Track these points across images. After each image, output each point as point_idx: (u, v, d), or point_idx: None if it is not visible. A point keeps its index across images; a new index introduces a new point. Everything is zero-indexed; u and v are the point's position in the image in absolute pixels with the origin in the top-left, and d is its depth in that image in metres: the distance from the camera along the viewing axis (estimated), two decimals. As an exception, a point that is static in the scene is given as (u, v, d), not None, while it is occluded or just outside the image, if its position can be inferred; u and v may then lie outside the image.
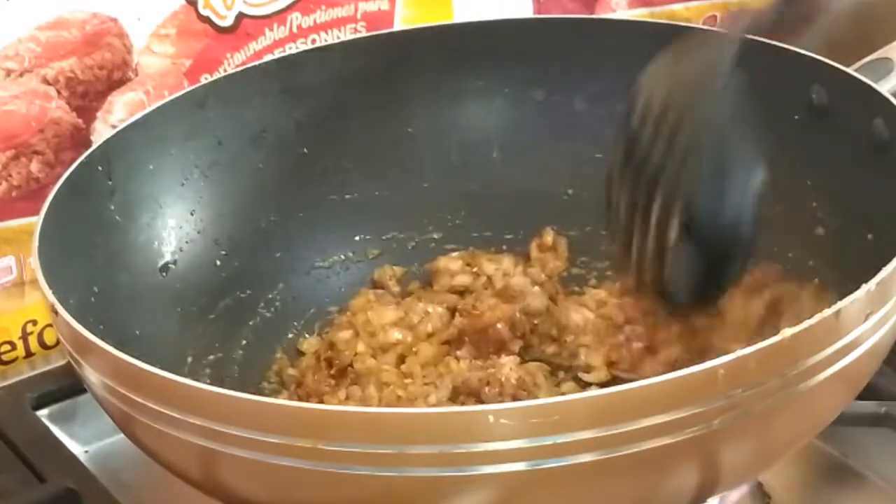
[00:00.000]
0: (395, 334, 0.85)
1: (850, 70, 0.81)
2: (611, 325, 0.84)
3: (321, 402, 0.80)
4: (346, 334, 0.85)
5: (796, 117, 0.80)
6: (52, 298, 0.66)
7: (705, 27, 1.11)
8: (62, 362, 0.90)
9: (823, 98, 0.81)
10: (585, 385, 0.82)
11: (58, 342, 0.93)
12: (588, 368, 0.83)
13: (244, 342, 0.87)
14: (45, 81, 0.92)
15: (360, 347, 0.84)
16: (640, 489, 0.60)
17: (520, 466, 0.55)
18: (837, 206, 0.80)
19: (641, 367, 0.81)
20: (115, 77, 0.95)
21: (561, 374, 0.83)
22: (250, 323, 0.88)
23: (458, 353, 0.83)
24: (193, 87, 0.89)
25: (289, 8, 1.00)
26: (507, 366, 0.79)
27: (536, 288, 0.87)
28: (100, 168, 0.81)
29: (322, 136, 0.93)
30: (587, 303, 0.87)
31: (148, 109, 0.86)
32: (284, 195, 0.92)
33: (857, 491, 0.80)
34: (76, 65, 0.93)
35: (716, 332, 0.78)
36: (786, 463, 0.80)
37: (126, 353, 0.61)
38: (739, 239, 0.72)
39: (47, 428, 0.87)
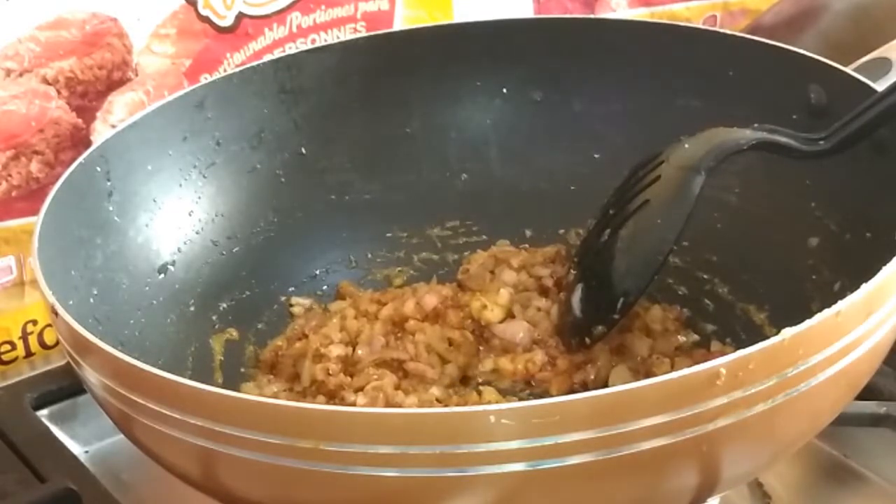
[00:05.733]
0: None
1: (848, 70, 0.81)
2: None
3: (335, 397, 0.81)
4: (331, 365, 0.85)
5: (795, 117, 0.80)
6: (52, 299, 0.66)
7: (705, 27, 1.11)
8: (62, 362, 0.90)
9: (822, 98, 0.81)
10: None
11: (58, 342, 0.94)
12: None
13: (244, 343, 0.87)
14: (45, 81, 0.92)
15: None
16: (641, 489, 0.60)
17: (520, 467, 0.55)
18: (836, 205, 0.80)
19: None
20: (115, 77, 0.95)
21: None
22: (250, 324, 0.88)
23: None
24: (191, 87, 0.89)
25: (288, 8, 1.00)
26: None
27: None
28: (98, 168, 0.81)
29: (320, 136, 0.93)
30: None
31: (146, 110, 0.86)
32: (283, 196, 0.92)
33: (857, 491, 0.80)
34: (76, 65, 0.93)
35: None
36: (786, 463, 0.80)
37: (125, 353, 0.61)
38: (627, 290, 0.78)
39: (47, 428, 0.87)
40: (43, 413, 0.89)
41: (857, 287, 0.60)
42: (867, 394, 0.70)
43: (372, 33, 1.01)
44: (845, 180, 0.78)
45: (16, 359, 0.97)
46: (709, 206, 0.81)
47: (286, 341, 0.87)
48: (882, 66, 0.88)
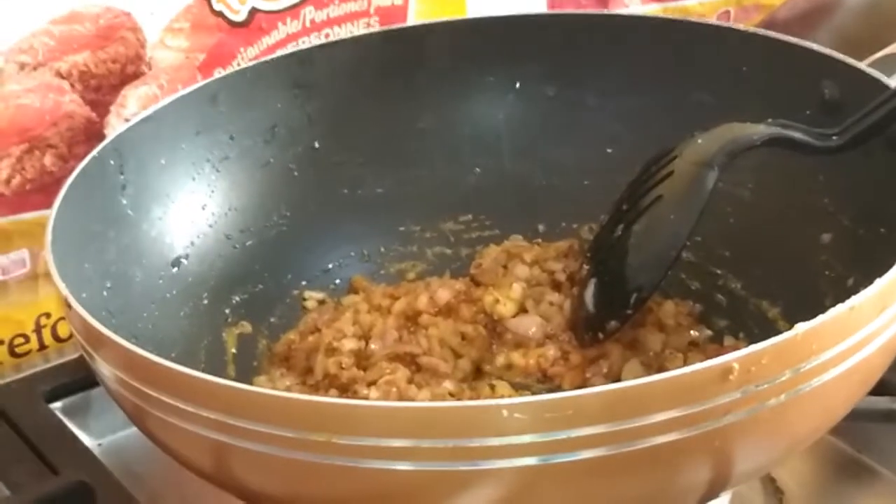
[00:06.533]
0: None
1: (861, 65, 0.81)
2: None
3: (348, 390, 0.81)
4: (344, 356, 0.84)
5: (808, 112, 0.80)
6: (66, 292, 0.66)
7: (718, 23, 1.11)
8: (75, 355, 0.90)
9: (835, 93, 0.80)
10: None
11: (71, 335, 0.94)
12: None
13: (257, 336, 0.87)
14: (59, 75, 0.92)
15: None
16: (653, 484, 0.60)
17: (532, 461, 0.55)
18: (850, 201, 0.80)
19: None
20: (129, 71, 0.95)
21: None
22: (263, 317, 0.88)
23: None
24: (205, 81, 0.89)
25: (302, 2, 1.00)
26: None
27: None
28: (112, 162, 0.81)
29: (333, 131, 0.93)
30: None
31: (159, 104, 0.86)
32: (296, 190, 0.92)
33: (870, 486, 0.80)
34: (90, 58, 0.93)
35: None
36: (799, 458, 0.80)
37: (139, 346, 0.61)
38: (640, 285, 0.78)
39: (61, 420, 0.87)
40: (56, 406, 0.89)
41: (871, 282, 0.60)
42: (880, 389, 0.70)
43: (385, 28, 1.01)
44: (859, 176, 0.78)
45: (29, 351, 0.97)
46: (722, 201, 0.81)
47: (299, 335, 0.87)
48: (896, 61, 0.88)
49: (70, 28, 0.92)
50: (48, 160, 0.93)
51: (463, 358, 0.83)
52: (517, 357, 0.84)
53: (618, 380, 0.80)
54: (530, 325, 0.85)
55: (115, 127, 0.94)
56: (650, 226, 0.78)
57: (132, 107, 0.95)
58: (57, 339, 0.98)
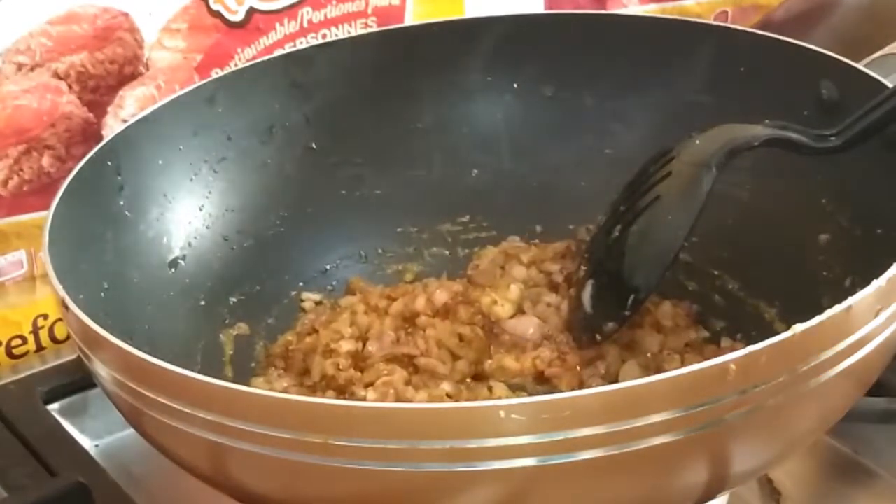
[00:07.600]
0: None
1: (860, 66, 0.81)
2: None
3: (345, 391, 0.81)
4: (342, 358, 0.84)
5: (806, 113, 0.80)
6: (63, 293, 0.66)
7: (716, 23, 1.11)
8: (73, 356, 0.90)
9: (833, 94, 0.80)
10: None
11: (68, 336, 0.94)
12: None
13: (254, 337, 0.87)
14: (57, 76, 0.92)
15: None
16: (651, 485, 0.60)
17: (530, 462, 0.55)
18: (847, 201, 0.80)
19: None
20: (126, 71, 0.95)
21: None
22: (260, 318, 0.88)
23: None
24: (202, 82, 0.89)
25: (300, 3, 1.00)
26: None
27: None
28: (109, 163, 0.81)
29: (331, 131, 0.93)
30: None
31: (157, 105, 0.86)
32: (293, 191, 0.92)
33: (867, 487, 0.80)
34: (87, 59, 0.93)
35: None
36: (796, 459, 0.80)
37: (135, 347, 0.61)
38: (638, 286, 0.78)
39: (58, 422, 0.87)
40: (53, 407, 0.89)
41: (868, 283, 0.60)
42: (878, 390, 0.70)
43: (382, 28, 1.01)
44: (856, 176, 0.78)
45: (27, 353, 0.97)
46: (719, 202, 0.80)
47: (296, 336, 0.87)
48: (894, 62, 0.88)
49: (68, 29, 0.92)
50: (46, 161, 0.93)
51: (460, 359, 0.83)
52: (514, 358, 0.84)
53: (615, 381, 0.80)
54: (528, 327, 0.85)
55: (112, 128, 0.94)
56: (648, 227, 0.78)
57: (130, 107, 0.95)
58: (54, 340, 0.98)
